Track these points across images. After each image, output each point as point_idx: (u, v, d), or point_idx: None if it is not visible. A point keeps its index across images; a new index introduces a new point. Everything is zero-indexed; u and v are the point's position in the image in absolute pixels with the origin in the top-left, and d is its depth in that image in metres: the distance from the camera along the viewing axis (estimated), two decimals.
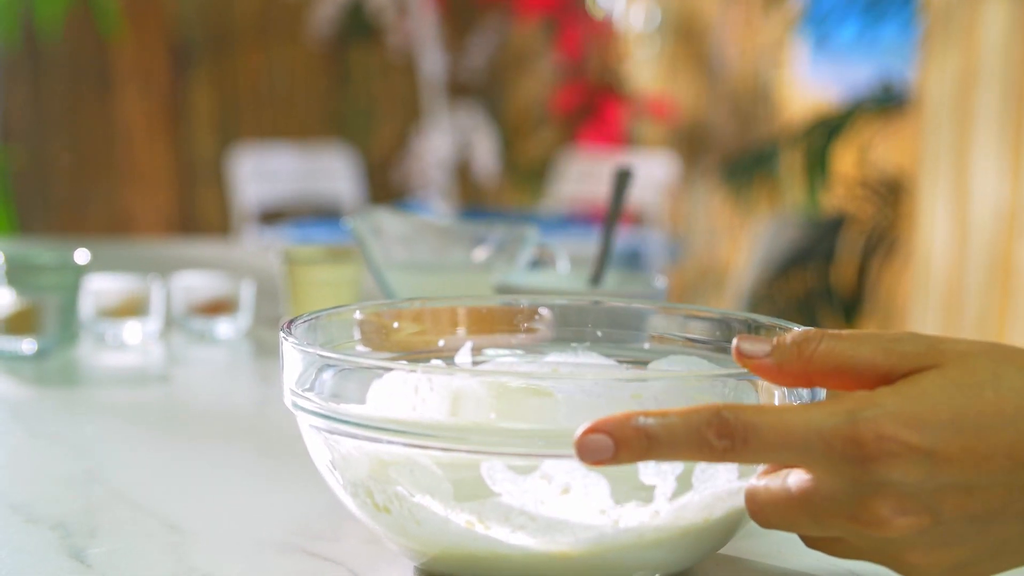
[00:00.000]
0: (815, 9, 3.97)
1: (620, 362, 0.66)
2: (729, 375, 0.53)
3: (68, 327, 1.10)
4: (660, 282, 0.93)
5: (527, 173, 4.87)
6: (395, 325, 0.66)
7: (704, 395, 0.52)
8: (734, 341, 0.51)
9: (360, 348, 0.64)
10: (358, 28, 4.57)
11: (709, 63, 4.51)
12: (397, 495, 0.52)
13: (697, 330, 0.66)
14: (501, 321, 0.68)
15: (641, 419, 0.46)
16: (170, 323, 1.21)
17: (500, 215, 4.17)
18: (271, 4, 4.72)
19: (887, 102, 3.53)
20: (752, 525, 0.53)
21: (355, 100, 4.89)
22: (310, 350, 0.55)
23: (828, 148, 3.52)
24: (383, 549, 0.58)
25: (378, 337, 0.65)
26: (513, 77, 5.03)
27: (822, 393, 0.54)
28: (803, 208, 3.68)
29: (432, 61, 4.40)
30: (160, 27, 4.62)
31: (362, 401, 0.55)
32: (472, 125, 4.46)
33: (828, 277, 3.63)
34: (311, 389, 0.55)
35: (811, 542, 0.52)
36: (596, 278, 0.92)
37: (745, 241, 4.23)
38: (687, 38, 4.58)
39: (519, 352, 0.68)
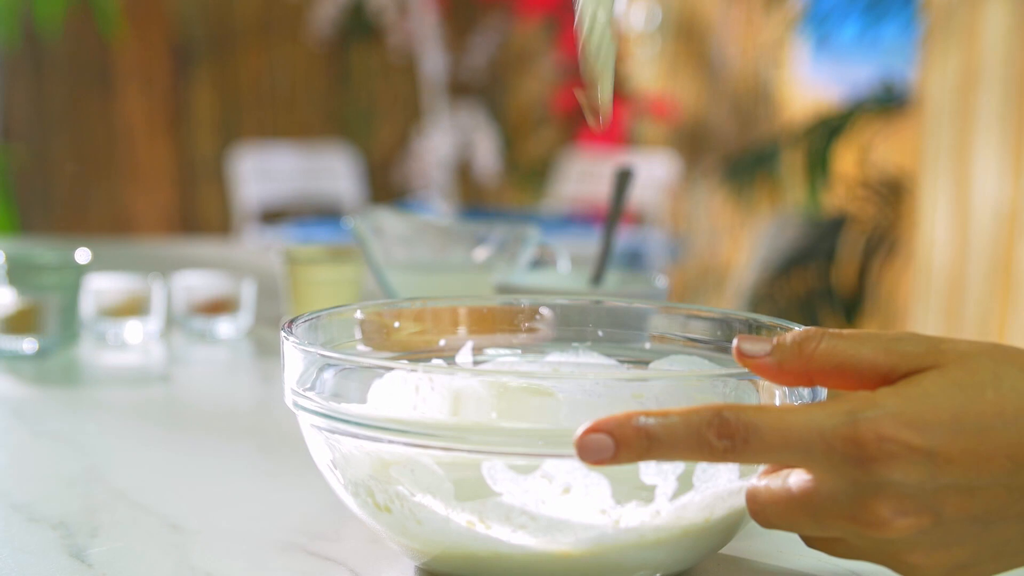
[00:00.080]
0: (816, 9, 3.96)
1: (621, 362, 0.66)
2: (730, 375, 0.53)
3: (69, 326, 1.10)
4: (661, 282, 0.93)
5: (528, 173, 4.87)
6: (396, 325, 0.66)
7: (705, 395, 0.52)
8: (735, 341, 0.51)
9: (361, 348, 0.64)
10: (359, 28, 4.57)
11: (710, 63, 4.50)
12: (398, 495, 0.52)
13: (698, 330, 0.66)
14: (502, 321, 0.68)
15: (642, 419, 0.46)
16: (171, 323, 1.22)
17: (501, 215, 4.16)
18: (272, 4, 4.72)
19: (888, 102, 3.53)
20: (753, 525, 0.53)
21: (356, 100, 4.89)
22: (311, 350, 0.55)
23: (829, 148, 3.51)
24: (384, 549, 0.58)
25: (379, 337, 0.65)
26: (514, 77, 5.03)
27: (823, 393, 0.54)
28: (804, 208, 3.68)
29: (433, 61, 4.40)
30: (161, 26, 4.62)
31: (363, 401, 0.55)
32: (473, 125, 4.46)
33: (829, 277, 3.63)
34: (312, 389, 0.55)
35: (811, 542, 0.52)
36: (597, 278, 0.92)
37: (746, 241, 4.23)
38: (688, 38, 4.58)
39: (520, 352, 0.68)
